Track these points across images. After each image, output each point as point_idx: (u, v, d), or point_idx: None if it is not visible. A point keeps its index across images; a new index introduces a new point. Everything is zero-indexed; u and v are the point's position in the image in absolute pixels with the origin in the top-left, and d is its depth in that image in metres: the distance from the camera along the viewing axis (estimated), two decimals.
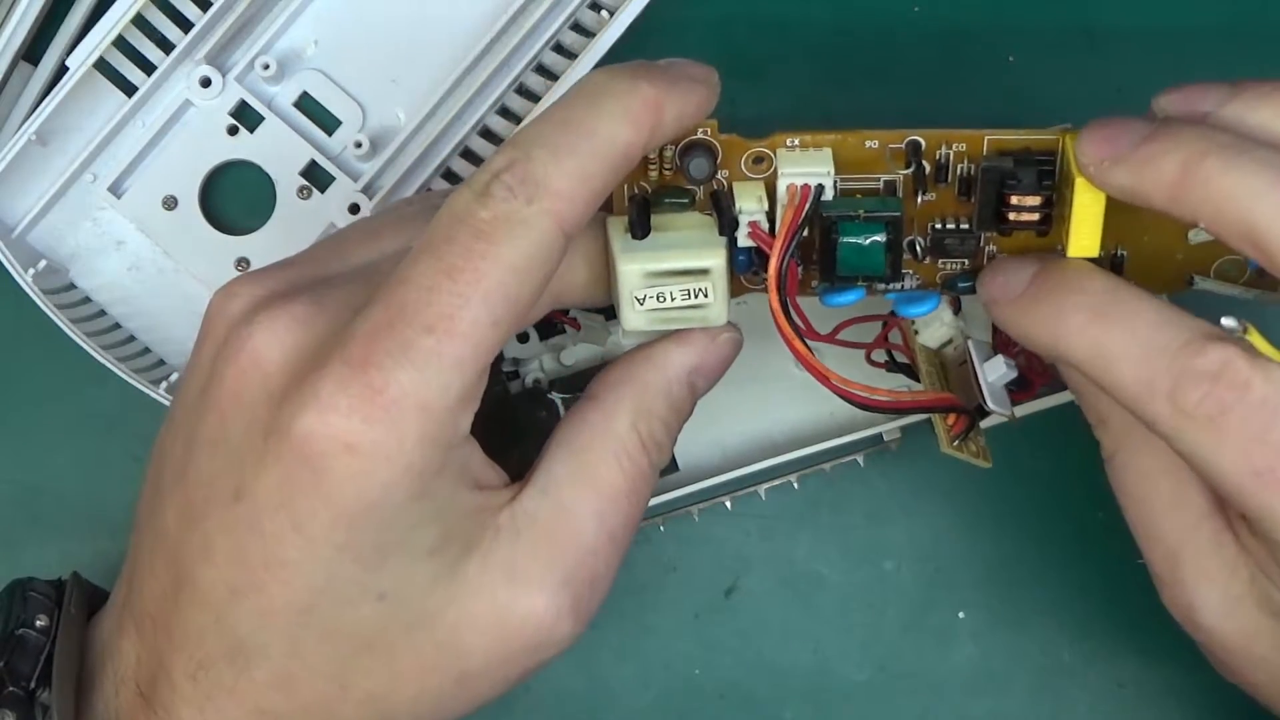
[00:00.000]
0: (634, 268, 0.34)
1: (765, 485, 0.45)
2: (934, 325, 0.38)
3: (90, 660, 0.35)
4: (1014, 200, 0.34)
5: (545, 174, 0.31)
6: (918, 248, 0.36)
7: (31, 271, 0.44)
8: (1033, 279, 0.34)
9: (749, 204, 0.34)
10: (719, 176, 0.36)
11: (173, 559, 0.33)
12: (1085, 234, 0.33)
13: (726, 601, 0.47)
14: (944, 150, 0.35)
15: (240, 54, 0.46)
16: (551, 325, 0.42)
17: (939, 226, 0.36)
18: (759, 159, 0.35)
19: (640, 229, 0.34)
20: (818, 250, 0.35)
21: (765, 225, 0.35)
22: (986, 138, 0.35)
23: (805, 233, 0.34)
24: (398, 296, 0.30)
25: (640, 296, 0.34)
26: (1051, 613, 0.46)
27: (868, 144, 0.35)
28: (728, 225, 0.34)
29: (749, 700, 0.46)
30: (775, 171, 0.35)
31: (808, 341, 0.34)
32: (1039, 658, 0.46)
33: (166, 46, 0.45)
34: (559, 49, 0.46)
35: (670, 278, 0.34)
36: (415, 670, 0.32)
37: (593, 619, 0.34)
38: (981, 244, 0.36)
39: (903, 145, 0.35)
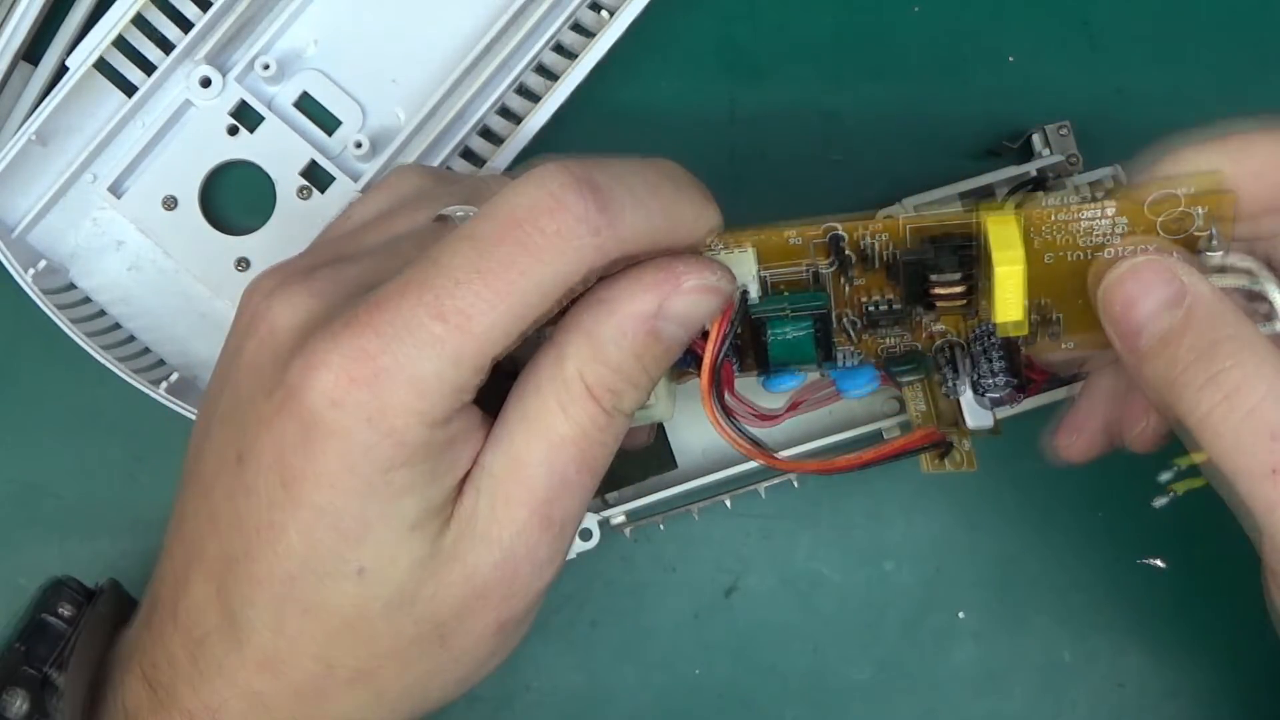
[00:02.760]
0: None
1: (765, 484, 0.45)
2: None
3: (114, 660, 0.35)
4: (937, 286, 0.34)
5: (620, 213, 0.31)
6: (850, 328, 0.36)
7: (31, 271, 0.44)
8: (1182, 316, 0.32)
9: None
10: None
11: (186, 538, 0.33)
12: (1009, 305, 0.33)
13: (726, 601, 0.47)
14: (865, 239, 0.34)
15: (240, 54, 0.46)
16: None
17: (870, 307, 0.35)
18: None
19: None
20: (751, 345, 0.35)
21: None
22: (904, 224, 0.34)
23: (735, 335, 0.34)
24: (421, 275, 0.30)
25: None
26: (1051, 613, 0.46)
27: (790, 239, 0.34)
28: None
29: (749, 700, 0.46)
30: None
31: (750, 433, 0.34)
32: (1039, 658, 0.46)
33: (166, 46, 0.45)
34: (559, 49, 0.46)
35: None
36: (397, 647, 0.33)
37: (560, 561, 0.34)
38: (914, 316, 0.36)
39: (824, 239, 0.34)
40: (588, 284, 0.32)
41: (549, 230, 0.30)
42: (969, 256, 0.34)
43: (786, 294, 0.35)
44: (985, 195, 0.44)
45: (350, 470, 0.30)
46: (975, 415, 0.38)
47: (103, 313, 0.46)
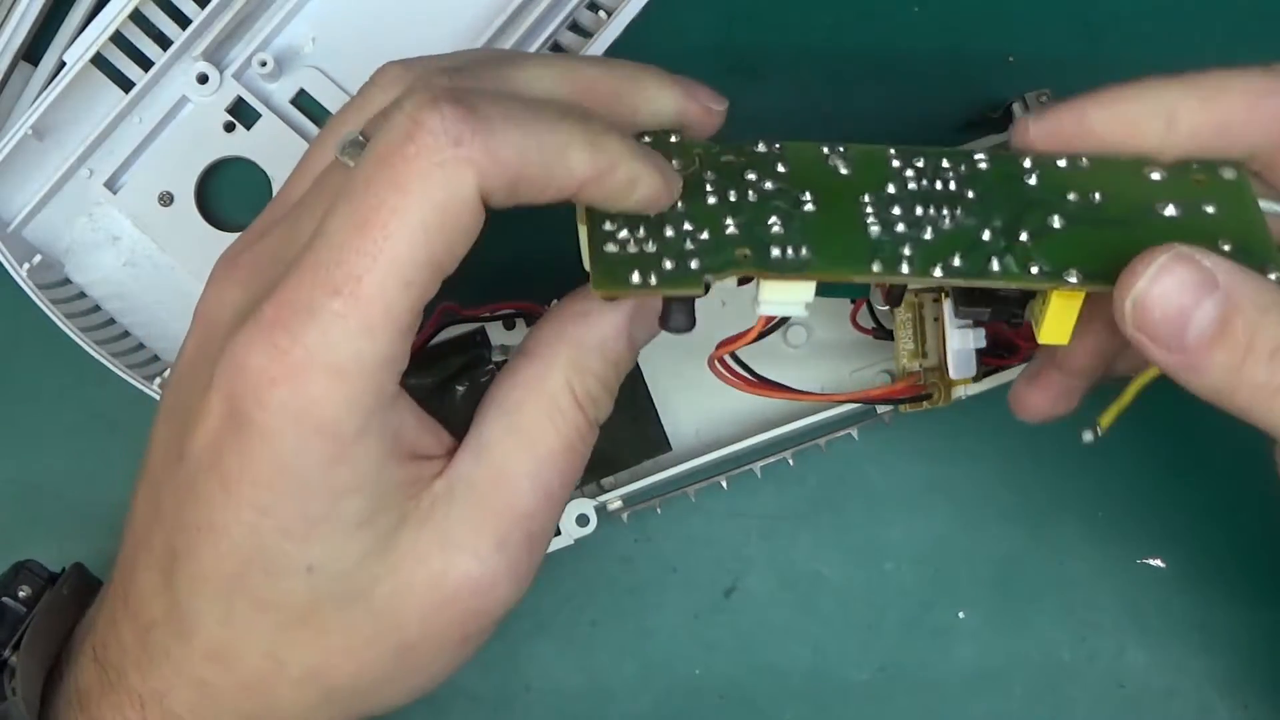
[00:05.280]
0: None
1: (760, 463, 0.45)
2: None
3: (75, 641, 0.35)
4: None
5: (489, 123, 0.29)
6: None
7: (26, 266, 0.44)
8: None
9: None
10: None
11: (135, 527, 0.33)
12: (1057, 327, 0.33)
13: (726, 601, 0.47)
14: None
15: (238, 51, 0.46)
16: (533, 316, 0.42)
17: None
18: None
19: None
20: None
21: None
22: (961, 286, 0.34)
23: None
24: (313, 254, 0.29)
25: None
26: (1051, 613, 0.46)
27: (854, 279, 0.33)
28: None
29: (749, 700, 0.46)
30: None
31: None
32: (1039, 658, 0.46)
33: (164, 43, 0.45)
34: (557, 49, 0.46)
35: None
36: (351, 645, 0.32)
37: (534, 576, 0.33)
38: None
39: (885, 285, 0.34)
40: (489, 208, 0.30)
41: (410, 154, 0.29)
42: (1019, 315, 0.34)
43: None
44: None
45: (286, 471, 0.30)
46: (960, 367, 0.38)
47: (98, 308, 0.46)
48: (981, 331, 0.37)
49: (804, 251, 0.32)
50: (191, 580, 0.31)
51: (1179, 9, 0.47)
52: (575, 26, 0.46)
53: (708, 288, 0.32)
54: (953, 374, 0.37)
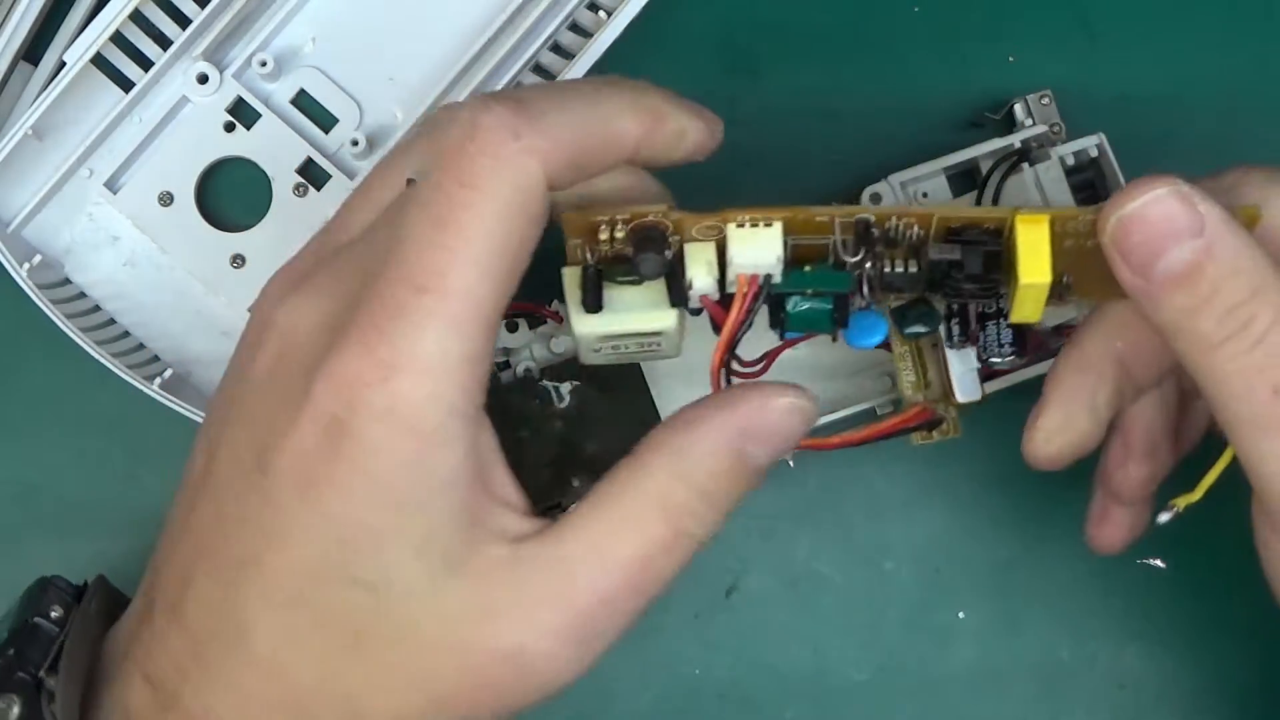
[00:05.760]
0: (588, 330, 0.34)
1: None
2: None
3: (106, 657, 0.35)
4: (960, 283, 0.34)
5: (542, 113, 0.31)
6: (865, 286, 0.35)
7: (26, 266, 0.44)
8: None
9: (699, 273, 0.34)
10: (670, 241, 0.34)
11: (192, 538, 0.33)
12: (1027, 310, 0.33)
13: (726, 601, 0.47)
14: (894, 225, 0.34)
15: (238, 51, 0.46)
16: (538, 318, 0.42)
17: (888, 270, 0.35)
18: (711, 226, 0.34)
19: (593, 303, 0.34)
20: (768, 308, 0.35)
21: (715, 295, 0.34)
22: (936, 218, 0.34)
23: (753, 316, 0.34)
24: (396, 255, 0.30)
25: (596, 349, 0.35)
26: (1051, 613, 0.46)
27: (818, 219, 0.34)
28: (678, 298, 0.34)
29: (749, 700, 0.46)
30: (725, 236, 0.34)
31: None
32: (1039, 658, 0.46)
33: (164, 43, 0.45)
34: (556, 49, 0.46)
35: (624, 337, 0.34)
36: (392, 684, 0.32)
37: (582, 673, 0.32)
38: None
39: (852, 222, 0.34)
40: (555, 198, 0.31)
41: (473, 152, 0.30)
42: (995, 257, 0.33)
43: (809, 271, 0.34)
44: (970, 169, 0.44)
45: (364, 473, 0.30)
46: (965, 389, 0.38)
47: (97, 308, 0.46)
48: (972, 353, 0.37)
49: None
50: (258, 591, 0.31)
51: (1178, 9, 0.47)
52: (575, 26, 0.46)
53: (669, 280, 0.33)
54: (959, 397, 0.38)
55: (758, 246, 0.33)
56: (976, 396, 0.38)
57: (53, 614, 0.35)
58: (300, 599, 0.31)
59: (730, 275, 0.33)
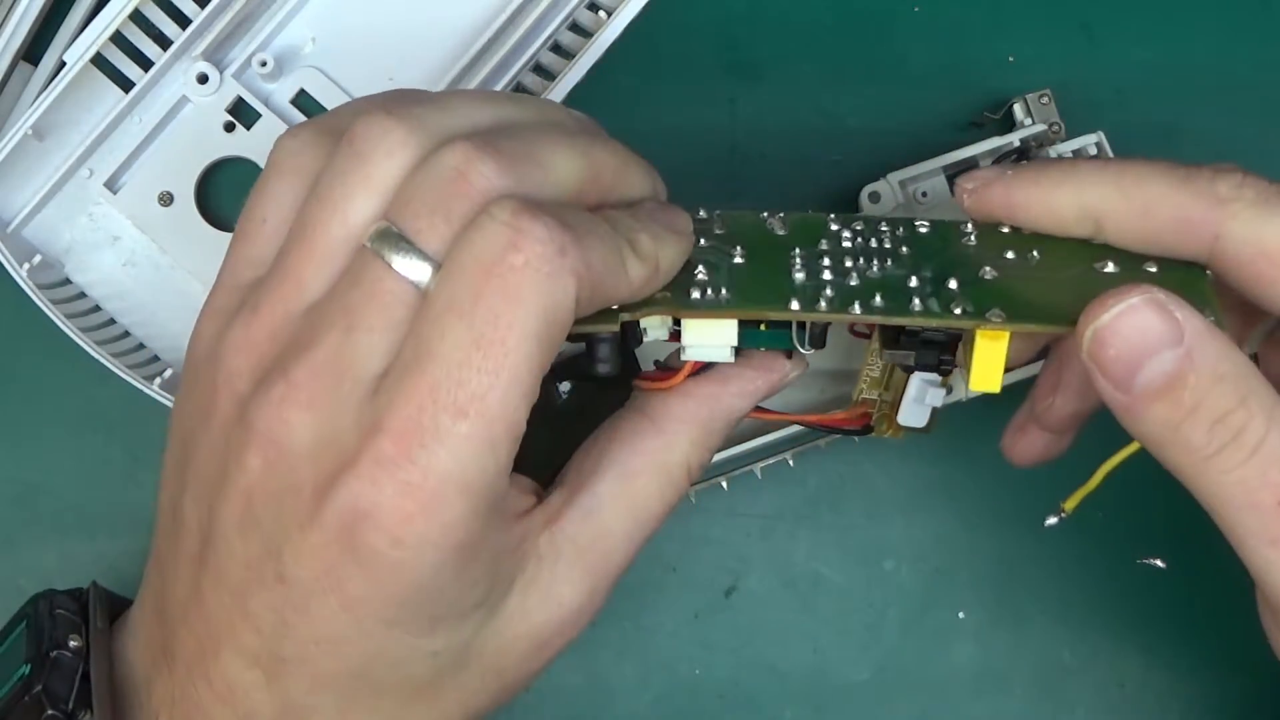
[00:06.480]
0: None
1: (761, 464, 0.45)
2: None
3: (119, 678, 0.34)
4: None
5: (585, 233, 0.30)
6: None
7: (26, 266, 0.44)
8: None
9: (653, 324, 0.34)
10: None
11: (209, 618, 0.32)
12: (986, 377, 0.33)
13: (726, 601, 0.47)
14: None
15: (238, 51, 0.46)
16: None
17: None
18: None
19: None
20: None
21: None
22: (890, 324, 0.33)
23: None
24: (426, 376, 0.29)
25: None
26: (1051, 613, 0.46)
27: (771, 315, 0.33)
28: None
29: (749, 700, 0.46)
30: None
31: None
32: (1039, 658, 0.46)
33: (164, 43, 0.45)
34: (556, 49, 0.46)
35: None
36: (463, 699, 0.32)
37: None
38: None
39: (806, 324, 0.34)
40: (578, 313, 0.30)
41: (518, 265, 0.29)
42: (949, 360, 0.34)
43: (764, 331, 0.34)
44: (969, 168, 0.44)
45: (419, 589, 0.30)
46: (910, 416, 0.37)
47: (97, 308, 0.46)
48: (942, 393, 0.37)
49: (724, 293, 0.33)
50: (308, 683, 0.31)
51: (1177, 9, 0.47)
52: (575, 26, 0.46)
53: (624, 329, 0.32)
54: (900, 418, 0.37)
55: (710, 337, 0.33)
56: (920, 425, 0.37)
57: (71, 644, 0.34)
58: (361, 682, 0.31)
59: (682, 355, 0.34)
